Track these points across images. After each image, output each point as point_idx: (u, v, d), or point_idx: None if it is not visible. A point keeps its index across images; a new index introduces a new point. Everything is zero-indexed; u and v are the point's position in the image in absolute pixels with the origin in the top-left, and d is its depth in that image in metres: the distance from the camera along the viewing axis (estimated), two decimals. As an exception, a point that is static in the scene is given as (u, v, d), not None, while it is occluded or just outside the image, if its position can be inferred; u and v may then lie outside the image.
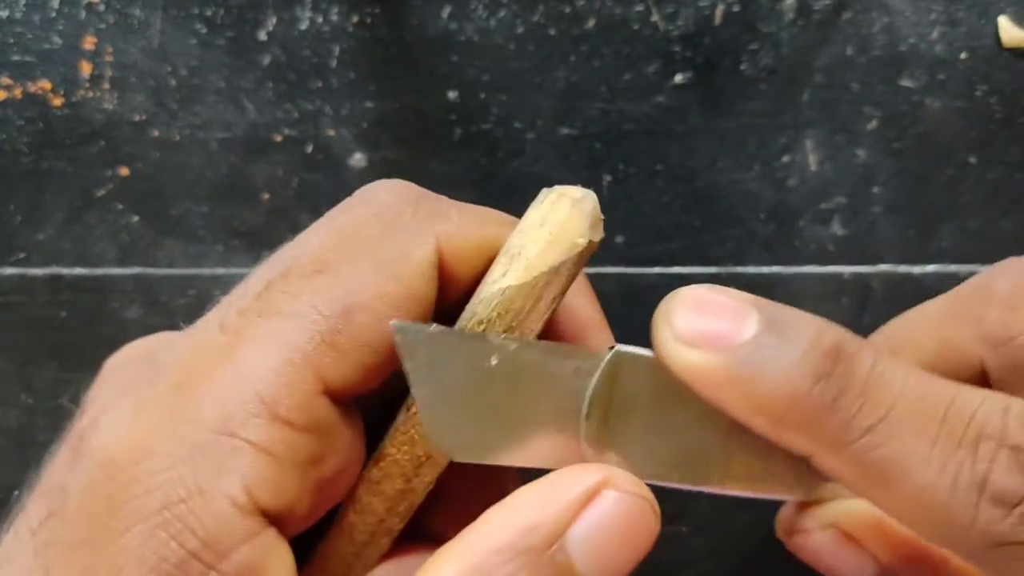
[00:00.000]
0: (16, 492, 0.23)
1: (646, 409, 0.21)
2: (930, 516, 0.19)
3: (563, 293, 0.21)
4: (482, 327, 0.21)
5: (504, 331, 0.21)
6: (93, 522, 0.19)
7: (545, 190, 0.22)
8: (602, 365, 0.21)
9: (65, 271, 0.36)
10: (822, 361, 0.20)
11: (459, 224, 0.22)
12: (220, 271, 0.36)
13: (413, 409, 0.21)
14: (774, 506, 0.35)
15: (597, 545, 0.20)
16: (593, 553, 0.20)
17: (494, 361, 0.20)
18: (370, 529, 0.22)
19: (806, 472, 0.21)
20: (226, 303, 0.21)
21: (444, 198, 0.23)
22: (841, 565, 0.23)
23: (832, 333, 0.20)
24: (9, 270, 0.36)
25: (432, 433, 0.20)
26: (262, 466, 0.19)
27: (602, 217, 0.21)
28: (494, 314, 0.21)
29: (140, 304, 0.36)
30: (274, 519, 0.19)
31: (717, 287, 0.21)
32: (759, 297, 0.21)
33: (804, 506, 0.24)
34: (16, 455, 0.37)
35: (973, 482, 0.19)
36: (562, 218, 0.21)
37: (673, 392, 0.21)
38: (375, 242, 0.21)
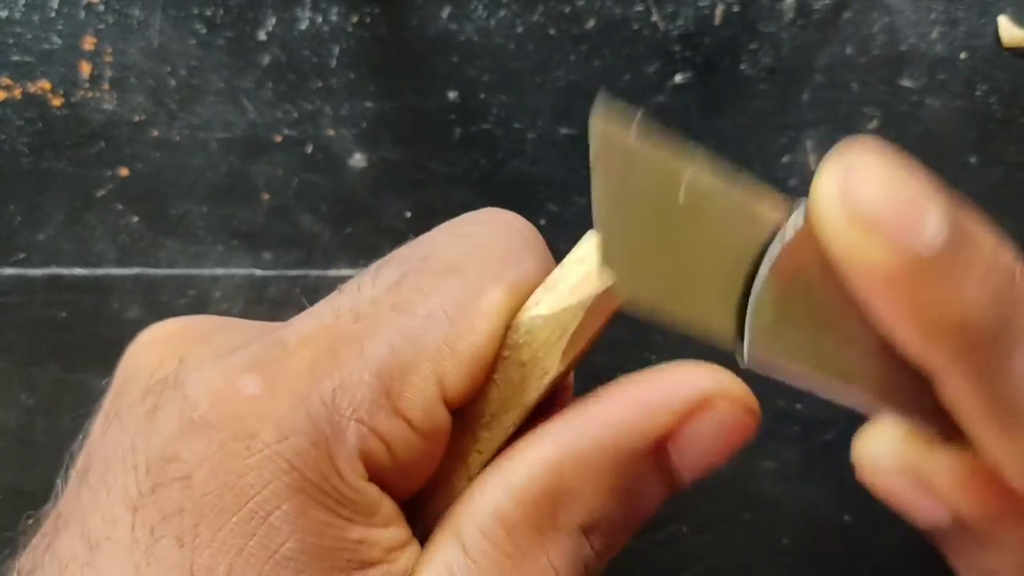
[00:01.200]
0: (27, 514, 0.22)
1: (816, 289, 0.19)
2: None
3: (592, 330, 0.21)
4: (508, 352, 0.21)
5: (528, 359, 0.21)
6: (222, 485, 0.19)
7: (592, 231, 0.22)
8: (787, 230, 0.19)
9: (65, 271, 0.36)
10: (1000, 285, 0.18)
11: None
12: (220, 271, 0.36)
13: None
14: (774, 505, 0.35)
15: (699, 451, 0.20)
16: (693, 459, 0.20)
17: (682, 197, 0.19)
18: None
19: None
20: (354, 291, 0.21)
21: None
22: (914, 509, 0.22)
23: (1006, 254, 0.18)
24: (9, 270, 0.36)
25: (604, 251, 0.19)
26: (381, 456, 0.20)
27: None
28: (521, 340, 0.21)
29: (140, 304, 0.36)
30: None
31: (894, 157, 0.18)
32: (939, 187, 0.18)
33: (884, 439, 0.22)
34: (16, 456, 0.37)
35: None
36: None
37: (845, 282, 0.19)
38: (503, 259, 0.22)
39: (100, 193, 0.36)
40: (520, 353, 0.21)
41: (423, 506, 0.22)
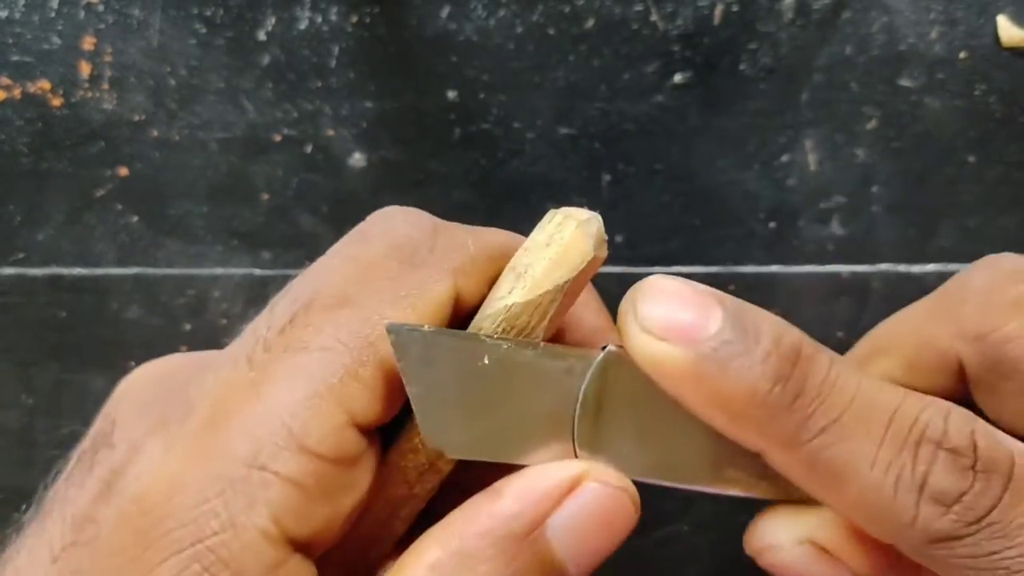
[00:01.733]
0: (24, 507, 0.23)
1: (638, 408, 0.22)
2: (876, 514, 0.20)
3: (567, 309, 0.22)
4: None
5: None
6: (124, 555, 0.19)
7: (552, 211, 0.22)
8: (593, 365, 0.22)
9: (65, 271, 0.36)
10: (782, 363, 0.20)
11: (474, 255, 0.23)
12: (219, 271, 0.36)
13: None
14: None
15: (576, 533, 0.21)
16: (572, 540, 0.21)
17: (486, 360, 0.21)
18: (373, 532, 0.22)
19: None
20: (251, 335, 0.21)
21: (458, 226, 0.24)
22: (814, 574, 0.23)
23: (791, 335, 0.21)
24: (8, 270, 0.36)
25: (426, 430, 0.21)
26: (291, 497, 0.20)
27: (605, 237, 0.22)
28: (499, 329, 0.21)
29: (140, 304, 0.36)
30: (302, 546, 0.20)
31: (681, 279, 0.21)
32: (721, 292, 0.21)
33: (775, 520, 0.24)
34: (16, 456, 0.37)
35: (914, 482, 0.20)
36: (567, 238, 0.21)
37: (664, 391, 0.21)
38: (395, 276, 0.22)
39: (100, 193, 0.36)
40: None
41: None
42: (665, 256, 0.35)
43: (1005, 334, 0.22)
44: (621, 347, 0.22)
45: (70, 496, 0.21)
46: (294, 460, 0.20)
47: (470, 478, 0.23)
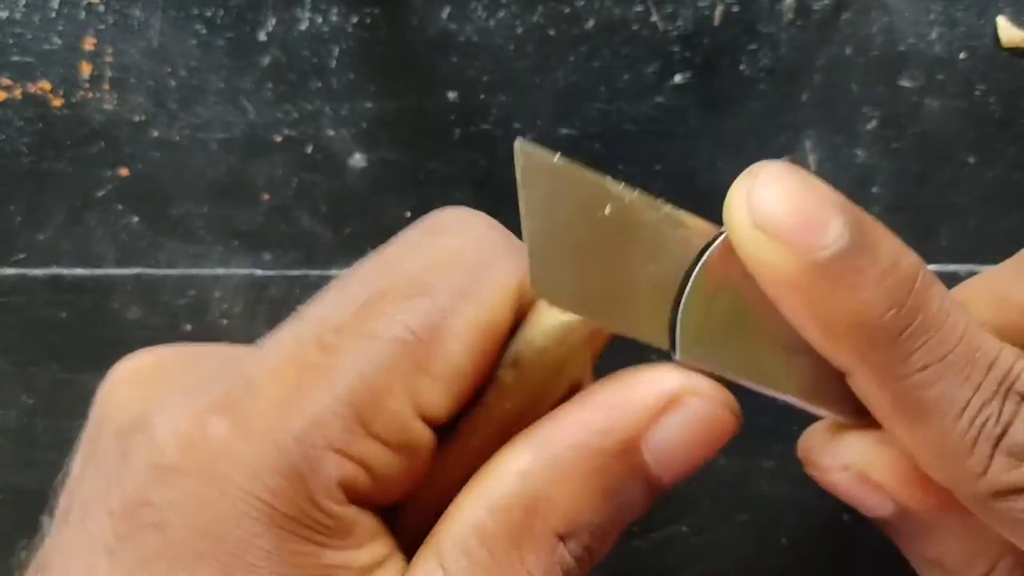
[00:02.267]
0: (29, 539, 0.22)
1: (740, 300, 0.21)
2: (948, 459, 0.20)
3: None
4: (528, 357, 0.21)
5: (554, 362, 0.21)
6: (207, 535, 0.19)
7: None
8: (710, 250, 0.20)
9: (65, 272, 0.36)
10: (898, 288, 0.19)
11: None
12: (220, 271, 0.36)
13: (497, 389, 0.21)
14: (774, 505, 0.35)
15: (674, 451, 0.20)
16: (669, 458, 0.20)
17: (608, 210, 0.20)
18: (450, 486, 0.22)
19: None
20: (318, 317, 0.21)
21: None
22: (859, 503, 0.23)
23: (910, 258, 0.20)
24: (9, 271, 0.36)
25: (534, 272, 0.20)
26: (357, 476, 0.20)
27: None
28: (545, 344, 0.21)
29: (140, 304, 0.36)
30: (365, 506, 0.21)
31: (802, 172, 0.20)
32: (841, 196, 0.20)
33: (825, 439, 0.23)
34: (16, 455, 0.37)
35: (993, 433, 0.19)
36: None
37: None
38: (470, 269, 0.21)
39: (100, 193, 0.36)
40: (544, 356, 0.21)
41: (419, 506, 0.22)
42: (665, 256, 0.35)
43: None
44: None
45: (109, 489, 0.20)
46: (363, 445, 0.20)
47: None
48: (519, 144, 0.19)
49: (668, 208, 0.21)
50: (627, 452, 0.20)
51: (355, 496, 0.20)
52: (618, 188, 0.20)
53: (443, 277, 0.21)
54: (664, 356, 0.21)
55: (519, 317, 0.22)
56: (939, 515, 0.22)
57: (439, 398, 0.20)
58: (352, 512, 0.20)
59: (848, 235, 0.19)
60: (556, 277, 0.20)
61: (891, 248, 0.20)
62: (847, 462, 0.22)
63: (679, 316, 0.21)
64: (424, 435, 0.21)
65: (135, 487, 0.20)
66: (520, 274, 0.21)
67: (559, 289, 0.20)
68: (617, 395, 0.21)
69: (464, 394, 0.21)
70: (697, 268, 0.21)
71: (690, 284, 0.21)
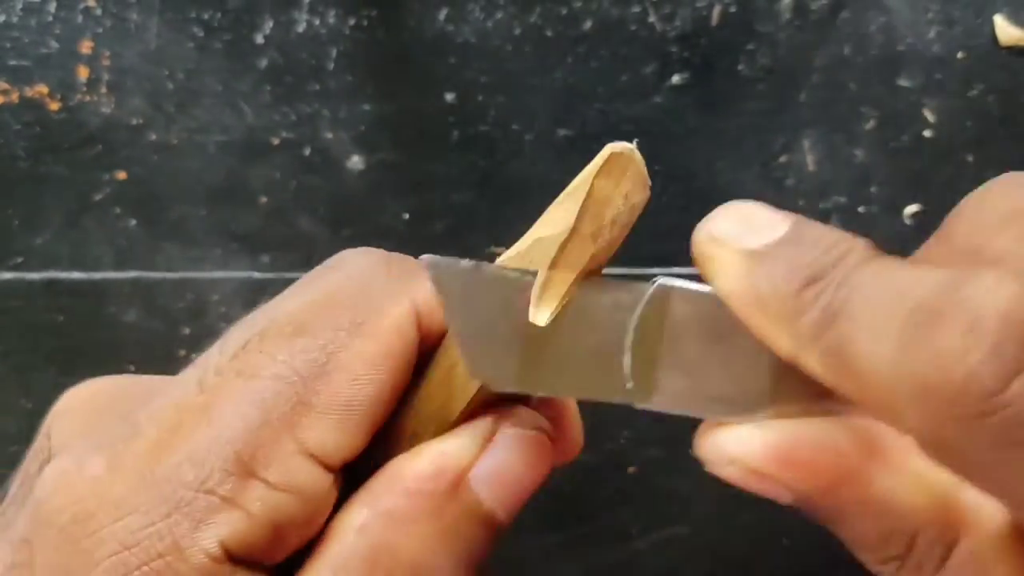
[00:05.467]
0: None
1: (692, 342, 0.21)
2: (916, 393, 0.18)
3: (600, 248, 0.22)
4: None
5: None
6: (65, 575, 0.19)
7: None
8: (645, 298, 0.21)
9: (63, 275, 0.36)
10: (823, 263, 0.20)
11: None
12: (218, 274, 0.36)
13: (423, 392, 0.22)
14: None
15: (498, 480, 0.21)
16: (496, 487, 0.21)
17: (523, 298, 0.21)
18: None
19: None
20: (203, 361, 0.21)
21: (416, 260, 0.23)
22: (761, 493, 0.23)
23: (847, 242, 0.20)
24: (7, 275, 0.36)
25: (471, 364, 0.20)
26: (237, 522, 0.19)
27: (643, 172, 0.21)
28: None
29: (138, 308, 0.36)
30: (251, 563, 0.20)
31: (767, 206, 0.21)
32: (806, 219, 0.21)
33: (706, 436, 0.23)
34: (15, 460, 0.37)
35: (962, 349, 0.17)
36: (585, 172, 0.21)
37: (720, 323, 0.21)
38: (351, 303, 0.21)
39: (98, 197, 0.36)
40: (442, 413, 0.22)
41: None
42: (664, 256, 0.35)
43: (1000, 251, 0.20)
44: (670, 280, 0.22)
45: (10, 517, 0.21)
46: (240, 485, 0.19)
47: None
48: (425, 259, 0.20)
49: (588, 279, 0.21)
50: (457, 490, 0.21)
51: (238, 548, 0.19)
52: (531, 275, 0.21)
53: (324, 313, 0.21)
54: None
55: (427, 337, 0.22)
56: (837, 496, 0.22)
57: (330, 435, 0.20)
58: (226, 571, 0.19)
59: (790, 232, 0.20)
60: (492, 365, 0.20)
61: (829, 235, 0.20)
62: (728, 456, 0.22)
63: (626, 371, 0.21)
64: (316, 476, 0.20)
65: (22, 523, 0.20)
66: (411, 299, 0.22)
67: (497, 375, 0.21)
68: (441, 442, 0.21)
69: (365, 429, 0.21)
70: (632, 323, 0.21)
71: (632, 339, 0.21)
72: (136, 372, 0.36)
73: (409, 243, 0.36)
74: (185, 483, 0.19)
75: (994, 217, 0.21)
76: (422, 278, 0.22)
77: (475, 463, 0.21)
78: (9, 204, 0.36)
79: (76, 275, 0.36)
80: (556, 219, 0.22)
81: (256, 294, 0.36)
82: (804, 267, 0.20)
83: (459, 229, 0.36)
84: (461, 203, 0.35)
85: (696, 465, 0.23)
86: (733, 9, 0.34)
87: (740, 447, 0.22)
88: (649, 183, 0.22)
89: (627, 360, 0.21)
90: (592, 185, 0.21)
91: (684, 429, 0.23)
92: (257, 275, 0.36)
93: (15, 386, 0.36)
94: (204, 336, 0.36)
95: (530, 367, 0.21)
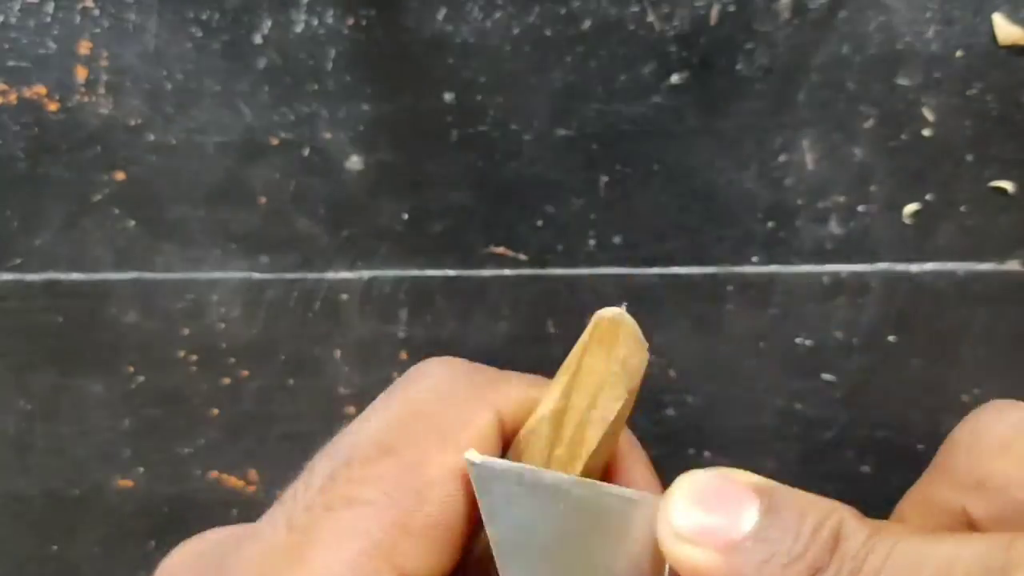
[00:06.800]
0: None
1: None
2: None
3: (614, 419, 0.21)
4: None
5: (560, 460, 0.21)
6: None
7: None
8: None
9: (62, 276, 0.36)
10: (820, 553, 0.19)
11: (515, 385, 0.22)
12: (217, 275, 0.36)
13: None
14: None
15: None
16: None
17: (563, 506, 0.20)
18: None
19: None
20: (290, 499, 0.21)
21: (495, 369, 0.23)
22: None
23: (833, 519, 0.19)
24: (6, 276, 0.36)
25: (504, 572, 0.20)
26: None
27: (642, 341, 0.21)
28: (543, 435, 0.21)
29: (137, 309, 0.36)
30: None
31: (722, 471, 0.20)
32: (762, 479, 0.20)
33: None
34: (14, 461, 0.37)
35: None
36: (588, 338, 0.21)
37: None
38: (436, 416, 0.21)
39: (97, 198, 0.36)
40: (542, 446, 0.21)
41: None
42: (663, 257, 0.35)
43: (1003, 477, 0.21)
44: None
45: None
46: None
47: None
48: (469, 456, 0.19)
49: (628, 491, 0.21)
50: None
51: None
52: (568, 482, 0.20)
53: (409, 430, 0.20)
54: None
55: (508, 441, 0.21)
56: None
57: (427, 557, 0.19)
58: None
59: (764, 518, 0.19)
60: (530, 573, 0.20)
61: (813, 516, 0.19)
62: None
63: None
64: None
65: None
66: (494, 405, 0.21)
67: None
68: None
69: (457, 547, 0.20)
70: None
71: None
72: (135, 373, 0.36)
73: (408, 243, 0.36)
74: None
75: (991, 445, 0.21)
76: (503, 384, 0.21)
77: None
78: (7, 205, 0.36)
79: (75, 276, 0.36)
80: (554, 395, 0.21)
81: (255, 295, 0.36)
82: (799, 557, 0.19)
83: (458, 229, 0.36)
84: (460, 203, 0.35)
85: None
86: (731, 8, 0.34)
87: None
88: (646, 344, 0.21)
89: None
90: (582, 361, 0.21)
91: None
92: (256, 276, 0.36)
93: (14, 387, 0.36)
94: (204, 337, 0.36)
95: None
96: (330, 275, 0.36)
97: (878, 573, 0.18)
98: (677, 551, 0.20)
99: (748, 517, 0.19)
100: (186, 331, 0.36)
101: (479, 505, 0.19)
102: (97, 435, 0.37)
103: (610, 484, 0.21)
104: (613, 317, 0.21)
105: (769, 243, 0.35)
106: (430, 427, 0.20)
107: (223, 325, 0.36)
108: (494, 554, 0.20)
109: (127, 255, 0.36)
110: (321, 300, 0.36)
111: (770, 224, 0.35)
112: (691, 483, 0.20)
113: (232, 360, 0.36)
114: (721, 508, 0.19)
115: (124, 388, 0.36)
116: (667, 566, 0.21)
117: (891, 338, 0.34)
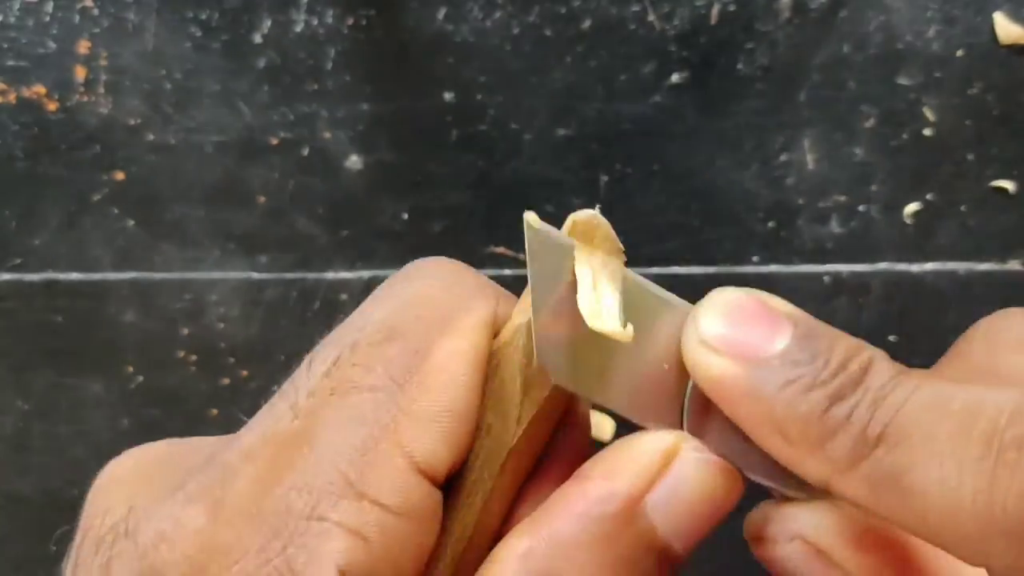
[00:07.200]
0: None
1: None
2: (958, 525, 0.17)
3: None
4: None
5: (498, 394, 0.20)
6: None
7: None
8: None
9: (61, 276, 0.36)
10: (845, 383, 0.18)
11: (506, 294, 0.22)
12: (216, 274, 0.36)
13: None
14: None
15: (678, 508, 0.19)
16: (675, 516, 0.19)
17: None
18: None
19: None
20: (290, 387, 0.20)
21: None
22: (807, 572, 0.22)
23: (865, 355, 0.19)
24: (5, 275, 0.36)
25: (540, 344, 0.19)
26: (354, 548, 0.18)
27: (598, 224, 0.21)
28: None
29: (136, 308, 0.36)
30: None
31: (760, 293, 0.20)
32: (798, 310, 0.19)
33: (775, 511, 0.23)
34: (12, 460, 0.37)
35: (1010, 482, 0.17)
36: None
37: None
38: (441, 304, 0.20)
39: (96, 197, 0.36)
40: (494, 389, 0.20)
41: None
42: (664, 256, 0.35)
43: (1018, 370, 0.20)
44: None
45: None
46: (354, 509, 0.18)
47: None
48: (528, 217, 0.19)
49: (657, 289, 0.20)
50: (631, 515, 0.19)
51: (354, 570, 0.18)
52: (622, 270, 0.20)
53: (414, 316, 0.20)
54: None
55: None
56: None
57: (435, 444, 0.19)
58: None
59: (796, 343, 0.19)
60: (561, 353, 0.19)
61: (843, 349, 0.19)
62: (796, 531, 0.21)
63: (687, 407, 0.20)
64: (427, 494, 0.19)
65: None
66: (493, 309, 0.20)
67: (563, 365, 0.19)
68: (612, 462, 0.20)
69: (462, 439, 0.20)
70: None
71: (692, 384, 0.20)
72: (134, 372, 0.36)
73: (407, 242, 0.36)
74: (295, 513, 0.18)
75: (1008, 340, 0.21)
76: (490, 286, 0.21)
77: (652, 487, 0.19)
78: (7, 205, 0.36)
79: (74, 276, 0.36)
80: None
81: (254, 294, 0.36)
82: (824, 384, 0.18)
83: (457, 228, 0.35)
84: (459, 202, 0.35)
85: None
86: (732, 8, 0.34)
87: (811, 524, 0.21)
88: (622, 248, 0.21)
89: (687, 402, 0.20)
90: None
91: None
92: (255, 275, 0.36)
93: (12, 386, 0.36)
94: (203, 336, 0.36)
95: (592, 368, 0.19)
96: (329, 275, 0.36)
97: (901, 405, 0.18)
98: (700, 357, 0.19)
99: (780, 339, 0.19)
100: (185, 331, 0.36)
101: (528, 272, 0.19)
102: (96, 435, 0.37)
103: (652, 284, 0.20)
104: (588, 219, 0.20)
105: (770, 242, 0.34)
106: (435, 314, 0.20)
107: (222, 325, 0.36)
108: (532, 324, 0.19)
109: (126, 255, 0.36)
110: (320, 300, 0.36)
111: (770, 224, 0.34)
112: (726, 299, 0.20)
113: (231, 360, 0.36)
114: (754, 326, 0.19)
115: (123, 388, 0.36)
116: (690, 382, 0.20)
117: (891, 338, 0.34)
